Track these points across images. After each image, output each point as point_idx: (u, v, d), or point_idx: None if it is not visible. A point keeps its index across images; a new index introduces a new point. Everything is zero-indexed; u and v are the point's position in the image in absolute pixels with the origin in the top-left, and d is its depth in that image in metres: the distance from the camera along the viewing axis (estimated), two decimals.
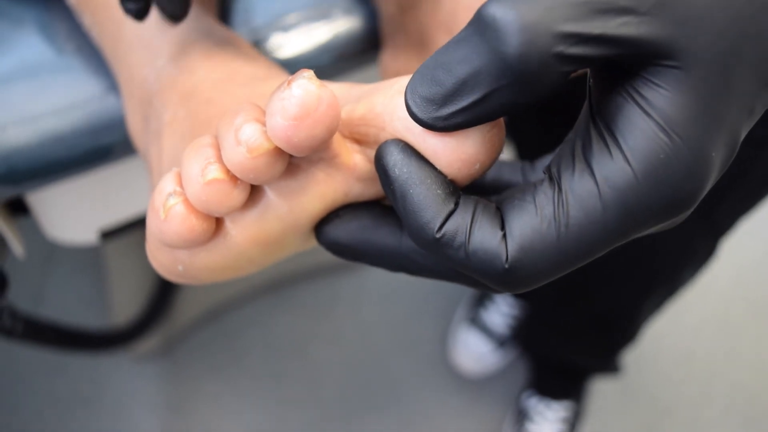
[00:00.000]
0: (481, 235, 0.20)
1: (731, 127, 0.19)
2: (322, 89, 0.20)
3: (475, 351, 1.03)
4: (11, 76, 0.39)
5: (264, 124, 0.21)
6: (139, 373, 1.01)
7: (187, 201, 0.23)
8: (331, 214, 0.25)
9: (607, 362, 0.89)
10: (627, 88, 0.19)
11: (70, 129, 0.39)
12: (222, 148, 0.22)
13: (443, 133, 0.21)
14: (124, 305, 1.03)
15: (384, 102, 0.22)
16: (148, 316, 0.94)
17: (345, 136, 0.24)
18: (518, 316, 1.03)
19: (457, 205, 0.21)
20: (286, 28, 0.43)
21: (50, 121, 0.39)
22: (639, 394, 1.04)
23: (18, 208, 0.48)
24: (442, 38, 0.37)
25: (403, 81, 0.22)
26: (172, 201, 0.22)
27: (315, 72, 0.21)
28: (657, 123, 0.18)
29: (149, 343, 1.01)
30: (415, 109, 0.20)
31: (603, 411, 1.02)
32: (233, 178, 0.22)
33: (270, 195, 0.24)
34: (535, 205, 0.20)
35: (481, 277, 0.21)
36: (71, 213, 0.48)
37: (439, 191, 0.21)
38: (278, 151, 0.21)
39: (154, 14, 0.33)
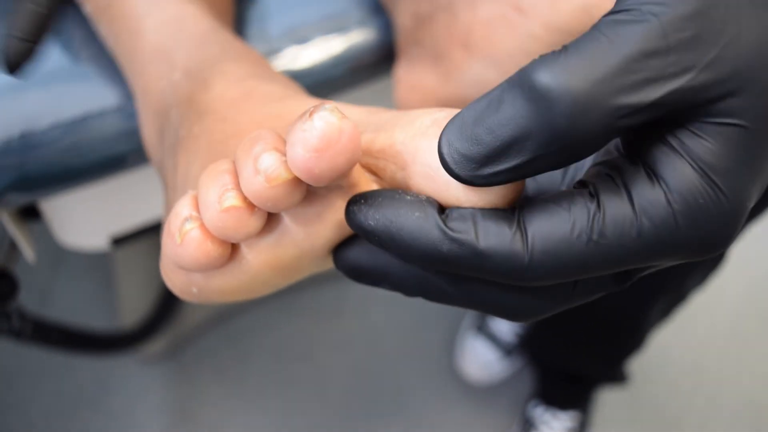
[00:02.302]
0: (492, 233, 0.20)
1: (765, 176, 0.20)
2: (343, 121, 0.20)
3: (482, 359, 1.02)
4: (26, 83, 0.39)
5: (283, 153, 0.21)
6: (146, 375, 1.01)
7: (203, 226, 0.23)
8: (349, 238, 0.24)
9: (614, 371, 0.88)
10: (668, 134, 0.19)
11: (84, 137, 0.39)
12: (240, 176, 0.22)
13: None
14: (132, 308, 1.03)
15: (405, 141, 0.22)
16: (155, 319, 0.95)
17: (362, 165, 0.24)
18: (525, 324, 1.03)
19: (447, 211, 0.21)
20: (300, 40, 0.43)
21: (65, 129, 0.39)
22: (646, 404, 1.03)
23: (30, 213, 0.48)
24: (457, 53, 0.37)
25: (425, 119, 0.22)
26: (189, 226, 0.23)
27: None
28: (699, 170, 0.19)
29: (156, 345, 1.01)
30: (453, 166, 0.20)
31: (610, 421, 1.02)
32: (250, 206, 0.22)
33: (287, 221, 0.23)
34: (570, 213, 0.20)
35: (500, 278, 0.21)
36: (83, 219, 0.48)
37: (421, 215, 0.21)
38: (297, 181, 0.21)
39: (172, 26, 0.33)
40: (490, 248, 0.20)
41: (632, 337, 0.80)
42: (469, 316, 1.09)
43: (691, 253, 0.20)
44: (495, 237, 0.20)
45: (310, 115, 0.20)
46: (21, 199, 0.40)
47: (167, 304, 0.87)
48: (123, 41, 0.35)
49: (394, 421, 1.00)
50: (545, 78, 0.18)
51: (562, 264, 0.20)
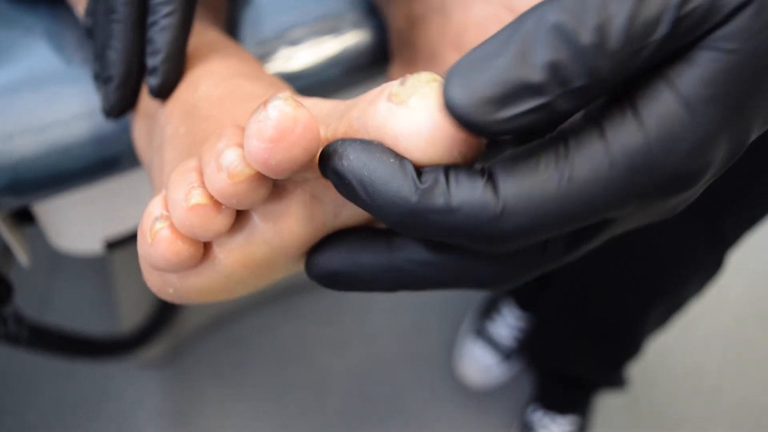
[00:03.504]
0: (464, 185, 0.19)
1: (745, 126, 0.19)
2: (298, 110, 0.20)
3: (480, 363, 1.02)
4: (19, 85, 0.39)
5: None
6: (145, 380, 1.01)
7: (173, 225, 0.22)
8: (317, 245, 0.24)
9: (613, 376, 0.88)
10: (658, 67, 0.19)
11: (77, 139, 0.39)
12: (204, 174, 0.22)
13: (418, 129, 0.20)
14: (130, 312, 1.03)
15: (359, 116, 0.21)
16: (153, 324, 0.94)
17: None
18: (524, 328, 1.02)
19: (421, 169, 0.20)
20: (294, 42, 0.42)
21: (57, 131, 0.39)
22: (646, 408, 1.03)
23: (24, 217, 0.48)
24: (450, 54, 0.37)
25: (375, 90, 0.22)
26: (159, 225, 0.22)
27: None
28: (680, 95, 0.18)
29: (155, 350, 1.01)
30: (465, 111, 0.18)
31: (609, 425, 1.02)
32: (217, 203, 0.22)
33: (255, 219, 0.23)
34: (537, 158, 0.19)
35: (472, 237, 0.20)
36: (77, 223, 0.48)
37: (395, 162, 0.20)
38: (260, 177, 0.21)
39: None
40: (461, 199, 0.19)
41: (630, 343, 0.80)
42: (468, 320, 1.09)
43: (663, 186, 0.19)
44: (466, 188, 0.19)
45: (265, 105, 0.20)
46: (13, 203, 0.40)
47: (165, 308, 0.87)
48: None
49: (393, 425, 1.00)
50: (559, 17, 0.18)
51: (536, 212, 0.19)
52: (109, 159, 0.40)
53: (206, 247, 0.24)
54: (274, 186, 0.23)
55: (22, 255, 0.47)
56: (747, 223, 0.60)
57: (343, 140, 0.21)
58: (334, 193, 0.23)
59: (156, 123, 0.32)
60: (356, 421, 1.00)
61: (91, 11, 0.32)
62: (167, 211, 0.23)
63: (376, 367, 1.05)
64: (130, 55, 0.31)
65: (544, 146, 0.19)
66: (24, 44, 0.41)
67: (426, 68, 0.39)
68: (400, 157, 0.20)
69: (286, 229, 0.23)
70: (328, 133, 0.23)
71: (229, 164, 0.21)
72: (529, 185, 0.19)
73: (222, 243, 0.24)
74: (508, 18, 0.35)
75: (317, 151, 0.21)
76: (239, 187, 0.21)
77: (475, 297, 1.11)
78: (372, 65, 0.44)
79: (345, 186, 0.21)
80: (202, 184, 0.22)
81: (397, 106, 0.20)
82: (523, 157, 0.19)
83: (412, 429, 1.00)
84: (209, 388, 1.02)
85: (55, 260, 1.10)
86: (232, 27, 0.42)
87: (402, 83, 0.20)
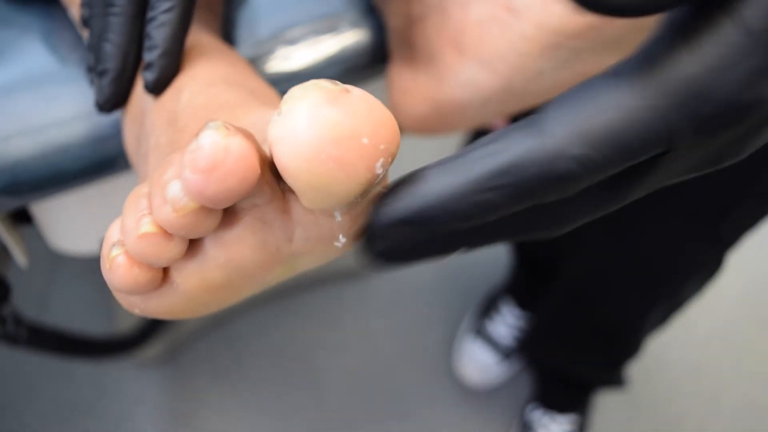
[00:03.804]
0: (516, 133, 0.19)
1: None
2: (229, 139, 0.19)
3: (480, 362, 1.02)
4: (15, 86, 0.39)
5: None
6: (143, 380, 1.01)
7: (128, 252, 0.22)
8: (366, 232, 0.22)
9: (612, 375, 0.88)
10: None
11: (73, 140, 0.39)
12: (152, 204, 0.21)
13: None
14: (128, 312, 1.03)
15: (269, 137, 0.20)
16: (152, 323, 0.94)
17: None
18: (524, 327, 1.02)
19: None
20: (292, 41, 0.42)
21: (54, 131, 0.39)
22: (645, 407, 1.03)
23: (22, 218, 0.47)
24: (449, 54, 0.37)
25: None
26: (115, 252, 0.22)
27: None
28: (741, 23, 0.18)
29: (153, 350, 1.01)
30: None
31: (608, 425, 1.02)
32: (166, 232, 0.21)
33: (208, 246, 0.23)
34: (594, 89, 0.19)
35: (540, 184, 0.19)
36: (74, 223, 0.47)
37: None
38: (205, 208, 0.21)
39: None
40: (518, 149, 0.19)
41: (629, 343, 0.80)
42: (468, 319, 1.09)
43: (720, 119, 0.19)
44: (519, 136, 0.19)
45: (197, 134, 0.19)
46: (11, 204, 0.40)
47: (176, 319, 0.86)
48: None
49: (393, 424, 1.00)
50: None
51: (599, 144, 0.19)
52: (106, 159, 0.40)
53: (165, 271, 0.23)
54: (225, 212, 0.22)
55: (20, 256, 0.47)
56: (747, 223, 0.60)
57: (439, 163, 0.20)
58: (286, 218, 0.23)
59: (143, 129, 0.31)
60: (355, 421, 1.00)
61: (88, 2, 0.32)
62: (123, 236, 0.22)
63: (376, 366, 1.05)
64: (127, 49, 0.31)
65: (600, 78, 0.19)
66: (20, 45, 0.41)
67: (425, 67, 0.39)
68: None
69: (238, 256, 0.23)
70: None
71: (173, 197, 0.20)
72: (587, 120, 0.19)
73: (178, 268, 0.23)
74: (507, 18, 0.34)
75: (256, 178, 0.20)
76: (185, 220, 0.20)
77: (474, 296, 1.11)
78: (370, 65, 0.44)
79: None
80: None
81: (277, 116, 0.19)
82: (578, 91, 0.19)
83: (411, 428, 1.00)
84: (208, 388, 1.01)
85: (53, 261, 1.09)
86: (228, 26, 0.42)
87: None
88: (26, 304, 1.04)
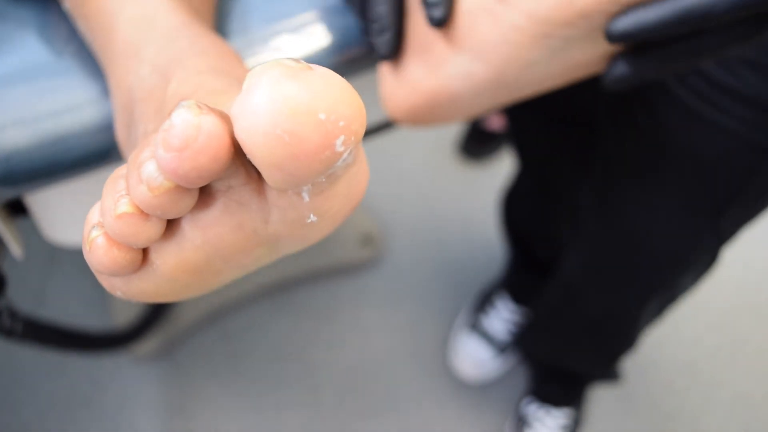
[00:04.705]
0: None
1: None
2: (201, 117, 0.19)
3: (475, 357, 1.02)
4: (10, 77, 0.39)
5: None
6: (140, 374, 1.01)
7: (107, 233, 0.22)
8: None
9: (607, 369, 0.88)
10: None
11: (68, 131, 0.39)
12: (128, 184, 0.21)
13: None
14: (125, 307, 1.03)
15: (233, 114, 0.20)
16: (148, 318, 0.95)
17: None
18: (519, 322, 1.03)
19: None
20: (284, 32, 0.43)
21: (49, 122, 0.39)
22: (640, 401, 1.04)
23: (17, 209, 0.48)
24: (441, 45, 0.37)
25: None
26: (95, 233, 0.22)
27: None
28: None
29: (150, 344, 1.01)
30: None
31: (603, 419, 1.02)
32: (143, 212, 0.21)
33: (185, 227, 0.23)
34: None
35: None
36: (69, 215, 0.48)
37: None
38: (180, 188, 0.21)
39: (144, 21, 0.33)
40: None
41: (624, 336, 0.80)
42: (463, 314, 1.09)
43: None
44: None
45: (169, 114, 0.19)
46: (5, 194, 0.40)
47: (160, 303, 0.87)
48: (98, 37, 0.35)
49: (388, 419, 1.00)
50: None
51: None
52: (101, 150, 0.40)
53: (145, 252, 0.23)
54: (202, 193, 0.22)
55: (15, 247, 0.47)
56: (743, 218, 0.60)
57: None
58: (262, 200, 0.23)
59: (132, 119, 0.31)
60: (351, 416, 1.00)
61: None
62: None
63: (371, 361, 1.05)
64: (398, 5, 0.38)
65: None
66: (16, 37, 0.41)
67: (417, 58, 0.39)
68: None
69: (215, 237, 0.23)
70: None
71: (148, 176, 0.20)
72: None
73: (157, 249, 0.23)
74: (497, 8, 0.34)
75: (228, 157, 0.20)
76: (161, 199, 0.21)
77: (469, 291, 1.12)
78: (365, 56, 0.44)
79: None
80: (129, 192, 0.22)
81: (240, 94, 0.19)
82: None
83: (406, 423, 1.00)
84: (204, 382, 1.02)
85: (50, 255, 1.10)
86: (221, 20, 0.42)
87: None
88: (23, 297, 1.04)
